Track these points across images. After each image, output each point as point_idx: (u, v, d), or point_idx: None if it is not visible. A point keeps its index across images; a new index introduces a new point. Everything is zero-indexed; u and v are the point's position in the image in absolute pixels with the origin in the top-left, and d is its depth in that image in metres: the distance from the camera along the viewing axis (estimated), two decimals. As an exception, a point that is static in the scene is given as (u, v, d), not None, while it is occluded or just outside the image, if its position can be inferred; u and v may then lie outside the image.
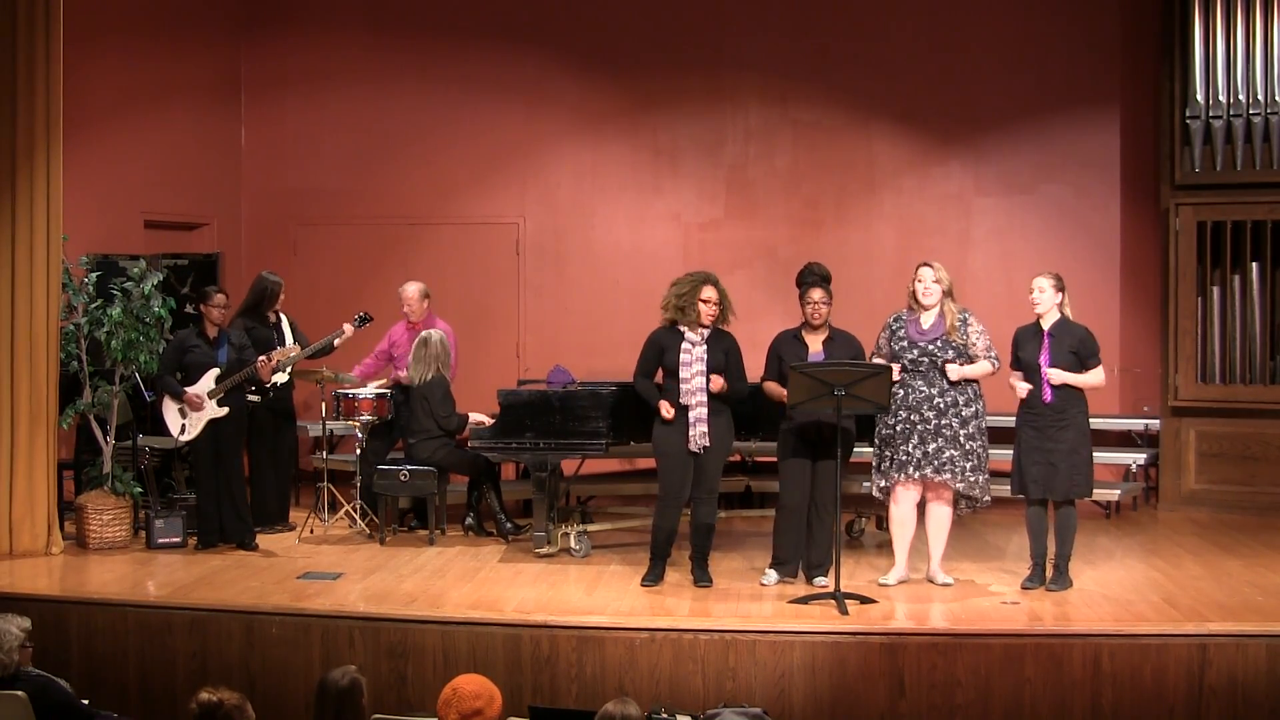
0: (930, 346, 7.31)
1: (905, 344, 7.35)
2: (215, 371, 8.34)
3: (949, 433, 7.25)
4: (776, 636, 6.50)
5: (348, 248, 11.50)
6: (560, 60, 11.32)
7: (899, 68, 10.95)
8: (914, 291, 7.40)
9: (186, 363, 8.36)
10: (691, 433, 7.33)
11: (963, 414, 7.27)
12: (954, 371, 7.25)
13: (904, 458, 7.29)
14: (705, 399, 7.33)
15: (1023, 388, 7.19)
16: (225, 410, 8.33)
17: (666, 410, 7.35)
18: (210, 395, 8.31)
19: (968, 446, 7.27)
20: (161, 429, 8.61)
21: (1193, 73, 9.79)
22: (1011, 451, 7.30)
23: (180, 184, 11.02)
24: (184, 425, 8.36)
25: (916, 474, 7.28)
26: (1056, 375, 7.08)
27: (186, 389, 8.30)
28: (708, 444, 7.34)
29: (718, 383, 7.34)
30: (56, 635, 6.87)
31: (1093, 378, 7.17)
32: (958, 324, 7.32)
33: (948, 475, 7.25)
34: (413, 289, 9.32)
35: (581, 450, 8.26)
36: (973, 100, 10.90)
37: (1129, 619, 6.66)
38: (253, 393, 8.69)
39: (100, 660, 6.93)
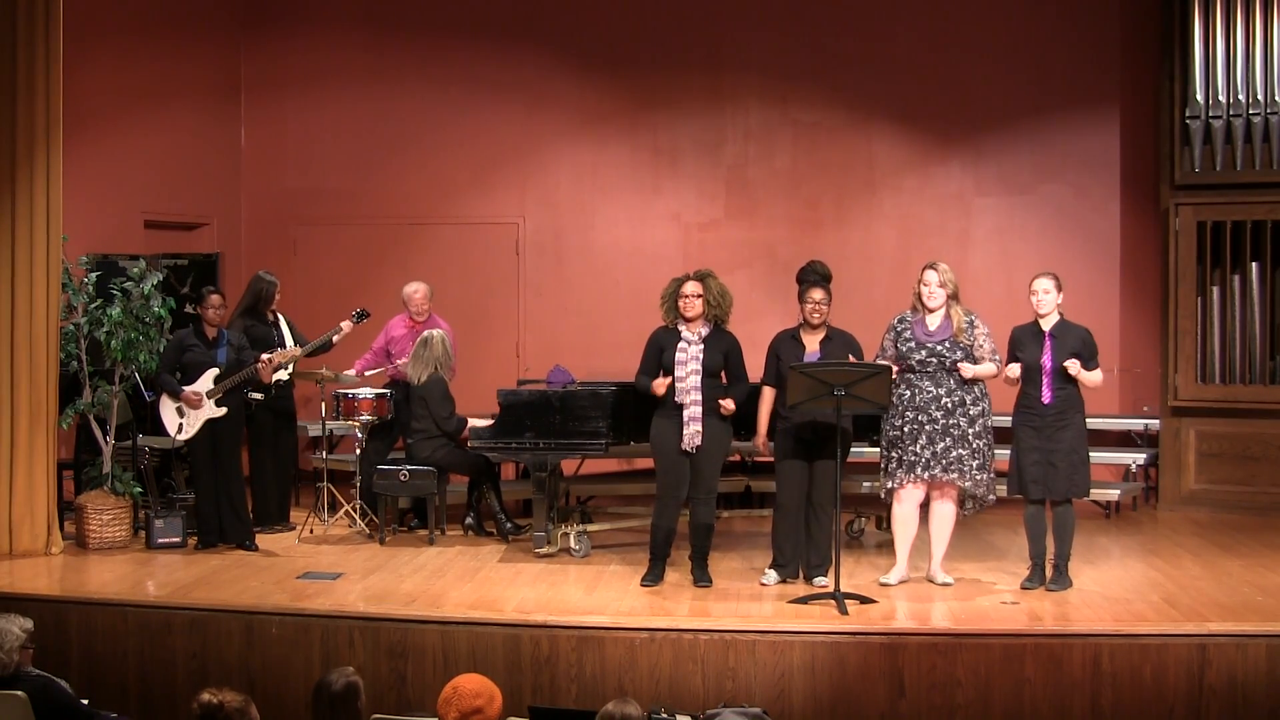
0: (939, 347, 7.30)
1: (912, 345, 7.34)
2: (214, 371, 8.35)
3: (957, 432, 7.25)
4: (776, 636, 6.50)
5: (348, 248, 11.51)
6: (560, 60, 11.32)
7: (899, 68, 10.95)
8: (919, 294, 7.40)
9: (185, 362, 8.36)
10: (685, 432, 7.34)
11: (970, 413, 7.27)
12: (968, 370, 7.25)
13: (912, 458, 7.29)
14: (700, 398, 7.33)
15: (1014, 369, 7.19)
16: (223, 410, 8.33)
17: (660, 386, 7.35)
18: (209, 395, 8.32)
19: (975, 445, 7.27)
20: (160, 428, 8.60)
21: (1193, 73, 9.79)
22: (1009, 451, 7.31)
23: (180, 184, 11.02)
24: (181, 424, 8.37)
25: (925, 474, 7.28)
26: (1074, 365, 7.07)
27: (185, 387, 8.30)
28: (700, 443, 7.34)
29: (728, 407, 7.35)
30: (56, 635, 6.87)
31: (1096, 377, 7.19)
32: (964, 325, 7.32)
33: (955, 475, 7.25)
34: (421, 289, 9.32)
35: (581, 450, 8.26)
36: (973, 100, 10.90)
37: (1129, 619, 6.66)
38: (254, 391, 8.69)
39: (100, 660, 6.92)
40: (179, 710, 6.56)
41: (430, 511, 8.72)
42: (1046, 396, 7.15)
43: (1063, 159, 10.85)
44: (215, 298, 8.43)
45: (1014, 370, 7.21)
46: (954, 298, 7.38)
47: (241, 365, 8.35)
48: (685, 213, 11.29)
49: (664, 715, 5.55)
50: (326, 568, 7.85)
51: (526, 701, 6.33)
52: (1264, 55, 9.64)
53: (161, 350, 8.57)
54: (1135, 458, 10.16)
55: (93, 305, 8.56)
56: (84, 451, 9.03)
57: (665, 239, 11.23)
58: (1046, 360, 7.15)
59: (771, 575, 7.45)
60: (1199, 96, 9.79)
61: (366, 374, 9.33)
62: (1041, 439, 7.15)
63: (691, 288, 7.42)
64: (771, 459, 7.58)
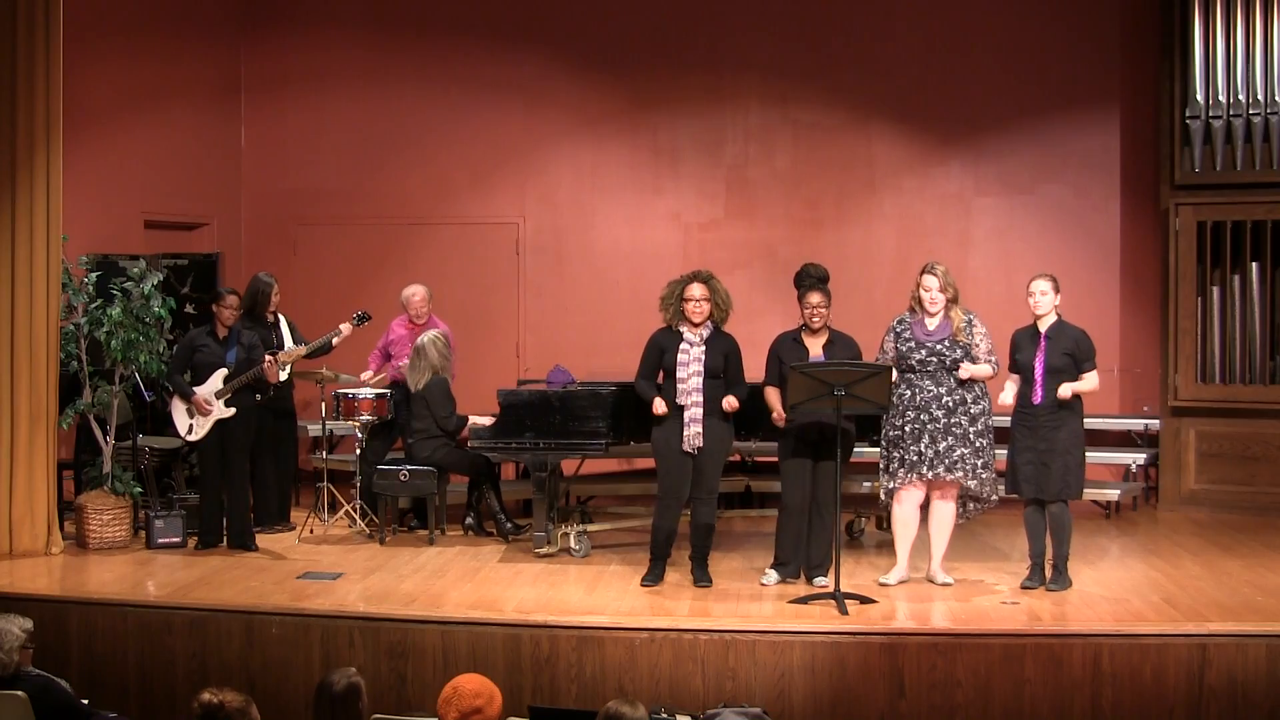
0: (939, 346, 7.30)
1: (912, 345, 7.34)
2: (223, 372, 8.34)
3: (959, 431, 7.25)
4: (776, 636, 6.50)
5: (348, 248, 11.51)
6: (560, 60, 11.32)
7: (899, 68, 10.95)
8: (919, 299, 7.38)
9: (195, 362, 8.37)
10: (686, 433, 7.33)
11: (971, 412, 7.27)
12: (965, 370, 7.25)
13: (914, 458, 7.28)
14: (701, 400, 7.33)
15: (1008, 392, 7.21)
16: (232, 411, 8.33)
17: (659, 406, 7.35)
18: (218, 396, 8.32)
19: (977, 444, 7.27)
20: (168, 428, 8.60)
21: (1193, 73, 9.79)
22: (1007, 451, 7.32)
23: (180, 184, 11.02)
24: (192, 425, 8.37)
25: (929, 473, 7.27)
26: (1066, 391, 7.08)
27: (195, 390, 8.30)
28: (701, 445, 7.34)
29: (731, 404, 7.34)
30: (56, 635, 6.87)
31: (1089, 384, 7.19)
32: (963, 325, 7.32)
33: (959, 473, 7.25)
34: (419, 292, 9.30)
35: (581, 450, 8.26)
36: (973, 100, 10.90)
37: (1129, 619, 6.66)
38: (255, 392, 8.68)
39: (100, 660, 6.92)
40: (179, 710, 6.55)
41: (430, 511, 8.72)
42: (1037, 396, 7.16)
43: (1063, 159, 10.85)
44: (233, 299, 8.45)
45: (1005, 397, 7.22)
46: (953, 301, 7.38)
47: (251, 365, 8.35)
48: (685, 213, 11.29)
49: (664, 715, 5.55)
50: (326, 568, 7.85)
51: (526, 701, 6.33)
52: (1264, 55, 9.63)
53: (164, 350, 8.57)
54: (1135, 458, 10.17)
55: (93, 305, 8.56)
56: (84, 451, 9.03)
57: (665, 239, 11.23)
58: (1039, 361, 7.15)
59: (772, 575, 7.45)
60: (1199, 96, 9.79)
61: (374, 379, 9.36)
62: (1035, 439, 7.16)
63: (699, 290, 7.40)
64: (789, 419, 7.48)
